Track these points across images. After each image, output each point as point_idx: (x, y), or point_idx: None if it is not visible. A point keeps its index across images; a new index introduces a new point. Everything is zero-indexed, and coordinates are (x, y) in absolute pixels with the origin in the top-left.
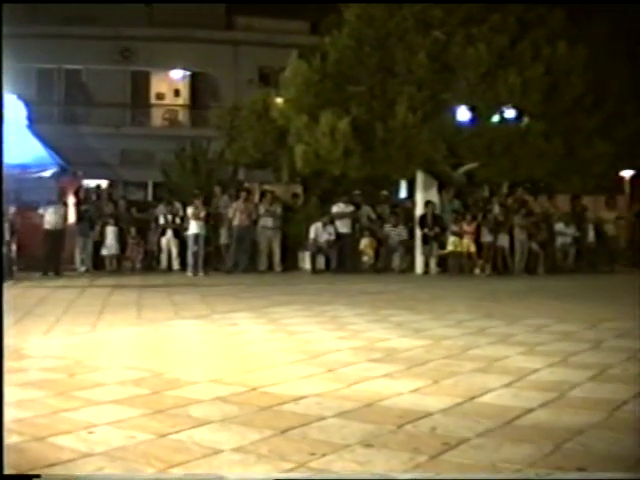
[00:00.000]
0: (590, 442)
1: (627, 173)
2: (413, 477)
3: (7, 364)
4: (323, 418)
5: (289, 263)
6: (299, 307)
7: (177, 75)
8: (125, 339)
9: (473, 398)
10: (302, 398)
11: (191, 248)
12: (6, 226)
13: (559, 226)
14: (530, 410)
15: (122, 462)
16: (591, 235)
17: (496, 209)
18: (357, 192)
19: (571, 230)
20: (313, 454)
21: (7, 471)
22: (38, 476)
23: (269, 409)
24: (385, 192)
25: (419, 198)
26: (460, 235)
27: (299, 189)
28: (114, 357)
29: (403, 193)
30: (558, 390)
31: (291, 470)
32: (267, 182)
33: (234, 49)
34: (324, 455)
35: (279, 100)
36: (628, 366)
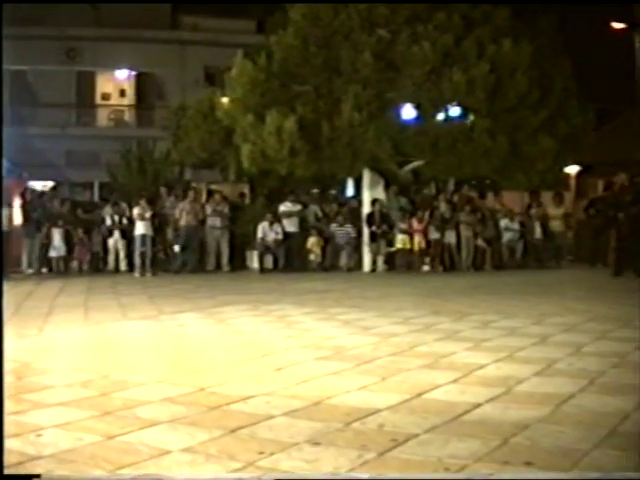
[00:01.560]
0: (537, 437)
1: (572, 169)
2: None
3: None
4: (272, 417)
5: (237, 262)
6: (247, 307)
7: (123, 75)
8: (73, 341)
9: (420, 394)
10: (251, 397)
11: (138, 249)
12: None
13: (505, 222)
14: (477, 405)
15: (71, 464)
16: (538, 231)
17: (442, 206)
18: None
19: (517, 226)
20: (262, 453)
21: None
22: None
23: (218, 409)
24: (333, 191)
25: (366, 196)
26: (409, 233)
27: (246, 188)
28: (62, 359)
29: (350, 191)
30: (505, 385)
31: (239, 470)
32: (214, 182)
33: (180, 49)
34: (272, 454)
35: (225, 100)
36: (574, 361)
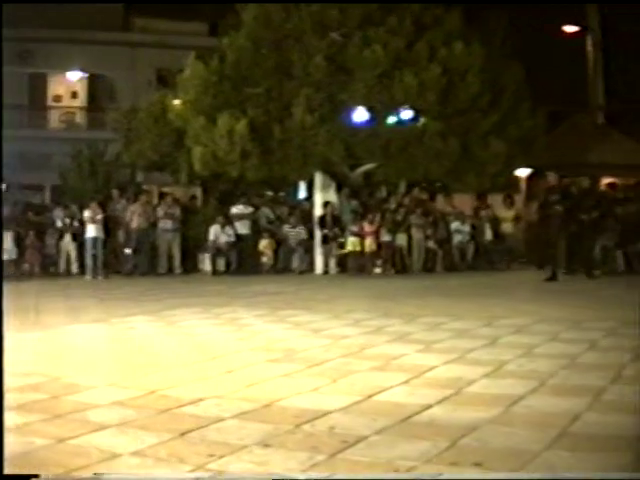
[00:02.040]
0: (486, 437)
1: (523, 172)
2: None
3: None
4: (222, 419)
5: (189, 265)
6: (198, 309)
7: (74, 77)
8: (23, 345)
9: (371, 396)
10: (201, 400)
11: (89, 251)
12: None
13: (456, 224)
14: (427, 407)
15: (22, 468)
16: (488, 233)
17: (394, 209)
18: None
19: (467, 228)
20: (211, 456)
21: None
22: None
23: (168, 412)
24: (283, 193)
25: (317, 199)
26: (360, 235)
27: (198, 191)
28: (12, 363)
29: (302, 194)
30: (454, 387)
31: (189, 472)
32: (166, 184)
33: (131, 51)
34: (222, 457)
35: (177, 102)
36: (524, 362)
